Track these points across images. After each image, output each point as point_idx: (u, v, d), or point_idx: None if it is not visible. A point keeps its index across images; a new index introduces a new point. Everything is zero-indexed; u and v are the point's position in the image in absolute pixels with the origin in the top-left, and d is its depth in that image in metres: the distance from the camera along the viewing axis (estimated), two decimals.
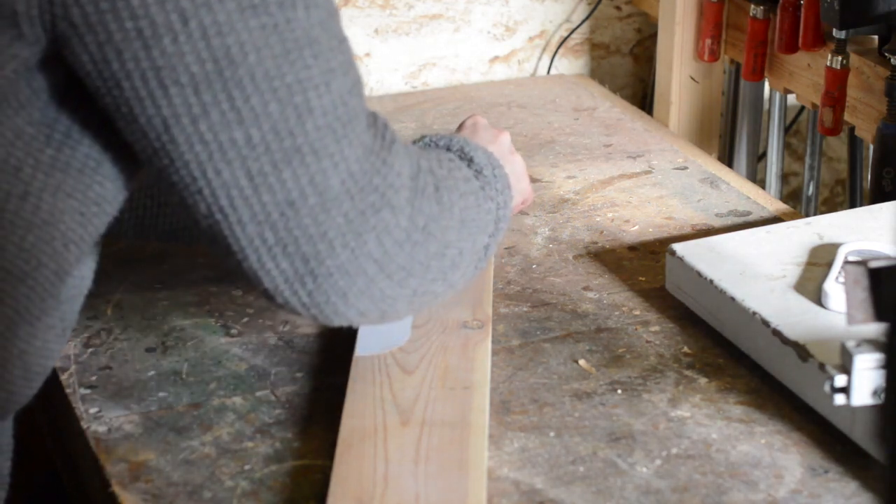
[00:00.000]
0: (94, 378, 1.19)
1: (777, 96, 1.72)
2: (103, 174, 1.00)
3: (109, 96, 0.95)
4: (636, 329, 1.27)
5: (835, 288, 1.20)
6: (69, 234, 1.00)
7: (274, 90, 0.94)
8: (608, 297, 1.32)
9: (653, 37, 1.90)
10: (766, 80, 1.67)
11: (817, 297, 1.21)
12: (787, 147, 1.91)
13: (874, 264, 0.94)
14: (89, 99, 0.97)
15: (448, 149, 1.17)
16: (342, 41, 0.99)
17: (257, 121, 0.95)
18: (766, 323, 1.17)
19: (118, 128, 0.97)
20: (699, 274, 1.25)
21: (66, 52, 0.94)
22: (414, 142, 1.21)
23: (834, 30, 1.51)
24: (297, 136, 0.96)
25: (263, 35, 0.93)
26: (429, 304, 1.09)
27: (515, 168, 1.33)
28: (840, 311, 1.17)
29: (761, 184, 1.75)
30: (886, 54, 1.45)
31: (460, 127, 1.33)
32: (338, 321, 1.03)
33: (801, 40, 1.57)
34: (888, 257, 1.20)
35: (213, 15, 0.92)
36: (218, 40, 0.92)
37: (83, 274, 1.05)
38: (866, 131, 1.52)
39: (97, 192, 1.00)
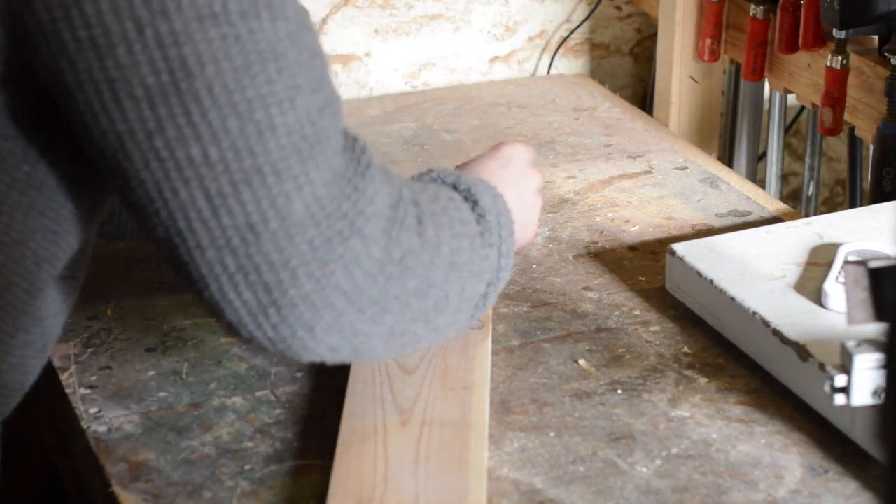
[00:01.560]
0: (94, 378, 1.19)
1: (777, 96, 1.72)
2: (79, 191, 0.97)
3: (66, 108, 0.90)
4: (636, 329, 1.27)
5: (835, 288, 1.20)
6: (41, 253, 0.97)
7: (233, 105, 0.89)
8: (608, 297, 1.32)
9: (653, 37, 1.90)
10: (766, 80, 1.67)
11: (817, 297, 1.21)
12: (787, 147, 1.91)
13: (874, 264, 0.94)
14: (60, 115, 0.93)
15: (455, 187, 1.09)
16: (314, 57, 0.93)
17: (216, 137, 0.89)
18: (766, 323, 1.17)
19: (80, 141, 0.93)
20: (699, 274, 1.25)
21: (23, 58, 0.90)
22: (421, 174, 1.13)
23: (834, 30, 1.51)
24: (257, 154, 0.90)
25: (223, 46, 0.88)
26: (410, 346, 1.02)
27: (529, 216, 1.23)
28: (840, 311, 1.17)
29: (761, 184, 1.75)
30: (886, 54, 1.45)
31: (498, 147, 1.24)
32: (307, 357, 0.96)
33: (801, 40, 1.57)
34: (888, 257, 1.20)
35: (170, 24, 0.87)
36: (174, 50, 0.87)
37: (66, 290, 1.03)
38: (866, 131, 1.52)
39: (71, 211, 0.97)
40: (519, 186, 1.20)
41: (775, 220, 1.46)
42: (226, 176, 0.90)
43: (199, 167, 0.89)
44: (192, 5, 0.87)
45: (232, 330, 0.95)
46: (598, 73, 1.96)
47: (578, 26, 1.92)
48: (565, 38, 1.93)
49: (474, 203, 1.08)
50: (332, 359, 0.97)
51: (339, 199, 0.93)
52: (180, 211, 0.90)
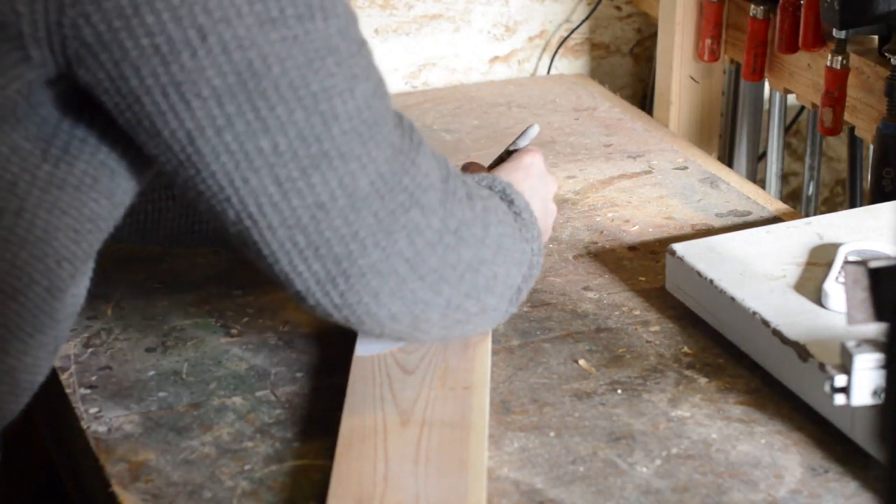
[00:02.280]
0: (94, 378, 1.19)
1: (777, 96, 1.72)
2: (99, 191, 0.99)
3: (130, 112, 0.94)
4: (636, 329, 1.27)
5: (835, 288, 1.20)
6: (62, 252, 0.99)
7: (299, 99, 0.94)
8: (608, 297, 1.32)
9: (653, 37, 1.90)
10: (766, 80, 1.67)
11: (817, 297, 1.21)
12: (787, 147, 1.91)
13: (874, 264, 0.94)
14: (88, 115, 0.96)
15: (490, 188, 1.15)
16: (362, 45, 0.99)
17: (283, 129, 0.95)
18: (766, 323, 1.17)
19: (140, 142, 0.96)
20: (699, 274, 1.25)
21: (80, 71, 0.92)
22: None
23: (834, 30, 1.51)
24: (323, 141, 0.96)
25: (285, 47, 0.93)
26: (462, 325, 1.08)
27: (547, 222, 1.26)
28: (840, 311, 1.17)
29: (761, 184, 1.75)
30: (886, 54, 1.45)
31: (518, 157, 1.26)
32: (369, 323, 1.02)
33: (801, 40, 1.57)
34: (888, 257, 1.20)
35: (233, 30, 0.92)
36: (239, 54, 0.92)
37: (78, 292, 1.04)
38: (866, 131, 1.52)
39: (92, 210, 0.99)
40: (541, 195, 1.24)
41: (775, 220, 1.46)
42: (294, 163, 0.95)
43: (268, 156, 0.95)
44: (251, 12, 0.92)
45: (299, 298, 1.00)
46: (598, 73, 1.96)
47: (578, 26, 1.92)
48: (565, 38, 1.93)
49: (510, 202, 1.14)
50: (391, 327, 1.03)
51: (399, 174, 0.99)
52: (251, 197, 0.96)
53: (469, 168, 1.29)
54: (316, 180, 0.96)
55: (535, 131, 1.30)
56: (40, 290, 0.99)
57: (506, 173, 1.22)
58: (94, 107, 0.95)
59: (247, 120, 0.94)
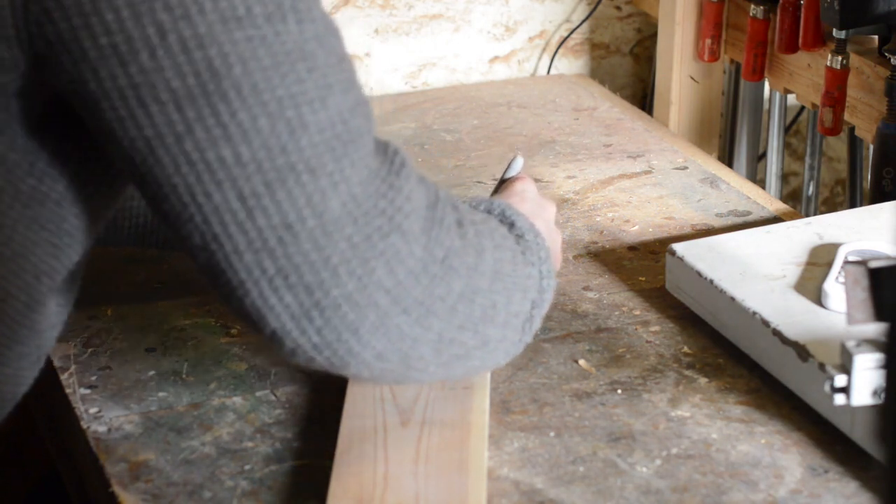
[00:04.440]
0: (94, 378, 1.19)
1: (777, 96, 1.72)
2: (80, 206, 0.96)
3: (92, 119, 0.89)
4: (636, 329, 1.27)
5: (835, 288, 1.20)
6: (40, 266, 0.96)
7: (263, 104, 0.88)
8: (608, 297, 1.32)
9: (653, 37, 1.90)
10: (766, 80, 1.67)
11: (817, 297, 1.21)
12: (787, 147, 1.91)
13: (874, 264, 0.94)
14: (70, 127, 0.92)
15: (489, 211, 1.09)
16: (343, 61, 0.93)
17: (246, 137, 0.88)
18: (766, 323, 1.17)
19: (108, 154, 0.92)
20: (699, 274, 1.25)
21: (47, 74, 0.89)
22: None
23: (834, 30, 1.51)
24: (290, 153, 0.89)
25: (250, 47, 0.87)
26: (462, 361, 1.00)
27: (555, 245, 1.20)
28: (840, 311, 1.17)
29: (761, 184, 1.75)
30: (886, 54, 1.45)
31: (509, 185, 1.21)
32: (355, 365, 0.94)
33: (801, 40, 1.57)
34: (888, 257, 1.20)
35: (194, 28, 0.86)
36: (199, 53, 0.87)
37: (64, 301, 1.02)
38: (866, 131, 1.52)
39: (72, 224, 0.96)
40: (542, 217, 1.17)
41: (775, 220, 1.46)
42: (259, 175, 0.89)
43: (230, 168, 0.89)
44: (215, 9, 0.87)
45: (275, 340, 0.92)
46: (598, 73, 1.96)
47: (578, 26, 1.92)
48: (565, 38, 1.93)
49: (511, 224, 1.07)
50: (379, 369, 0.95)
51: (375, 197, 0.92)
52: (214, 215, 0.89)
53: None
54: (282, 196, 0.89)
55: (519, 163, 1.24)
56: (18, 304, 0.97)
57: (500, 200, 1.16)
58: (77, 118, 0.92)
59: (207, 126, 0.88)
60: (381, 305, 0.92)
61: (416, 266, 0.93)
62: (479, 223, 1.02)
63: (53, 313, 1.01)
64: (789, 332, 1.15)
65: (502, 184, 1.22)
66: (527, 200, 1.17)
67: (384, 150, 0.95)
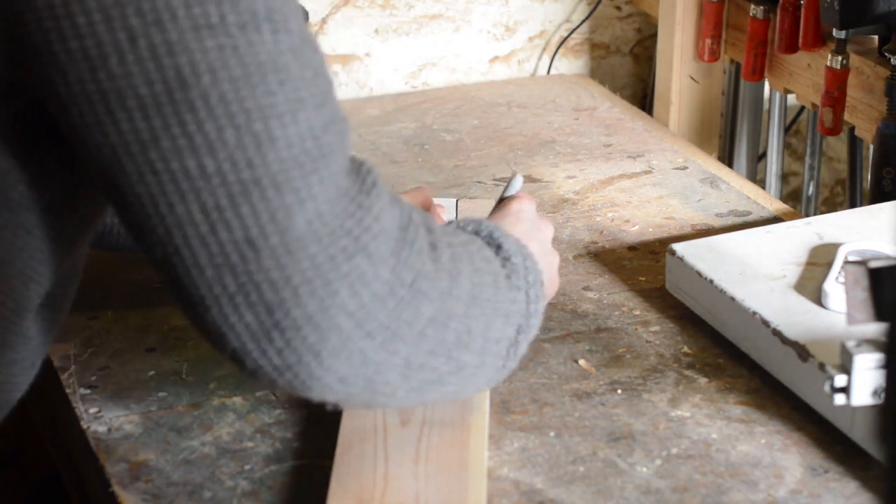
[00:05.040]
0: (94, 378, 1.19)
1: (777, 96, 1.72)
2: (69, 211, 0.95)
3: (64, 124, 0.88)
4: (636, 329, 1.27)
5: (835, 288, 1.20)
6: (27, 272, 0.95)
7: (230, 115, 0.86)
8: (608, 297, 1.32)
9: (653, 37, 1.90)
10: (766, 80, 1.67)
11: (817, 297, 1.21)
12: (787, 147, 1.91)
13: (874, 264, 0.94)
14: (59, 133, 0.91)
15: (477, 233, 1.05)
16: (318, 75, 0.90)
17: (212, 149, 0.86)
18: (766, 323, 1.17)
19: (81, 160, 0.89)
20: (699, 274, 1.25)
21: (24, 78, 0.87)
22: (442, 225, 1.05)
23: (834, 30, 1.51)
24: (256, 167, 0.86)
25: (221, 57, 0.85)
26: (434, 386, 0.96)
27: (551, 268, 1.16)
28: (840, 311, 1.17)
29: (761, 184, 1.75)
30: (886, 54, 1.45)
31: (506, 205, 1.18)
32: (317, 389, 0.91)
33: (801, 40, 1.57)
34: (888, 257, 1.20)
35: (165, 34, 0.84)
36: (169, 60, 0.84)
37: (55, 307, 1.01)
38: (866, 131, 1.52)
39: (59, 231, 0.95)
40: (538, 238, 1.14)
41: (775, 220, 1.46)
42: (223, 189, 0.86)
43: (194, 180, 0.86)
44: (187, 16, 0.85)
45: (236, 359, 0.90)
46: (598, 73, 1.96)
47: (578, 26, 1.92)
48: (565, 38, 1.93)
49: (498, 247, 1.04)
50: (343, 393, 0.92)
51: (342, 216, 0.89)
52: (177, 227, 0.87)
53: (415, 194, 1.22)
54: (245, 211, 0.86)
55: (519, 181, 1.22)
56: (6, 311, 0.96)
57: (495, 221, 1.14)
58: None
59: (172, 135, 0.85)
60: (343, 328, 0.89)
61: (381, 289, 0.90)
62: (459, 246, 0.98)
63: (44, 319, 1.01)
64: (789, 332, 1.15)
65: (501, 202, 1.20)
66: (522, 221, 1.15)
67: (357, 169, 0.92)
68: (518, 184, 1.21)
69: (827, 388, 1.05)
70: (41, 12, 0.84)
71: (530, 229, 1.14)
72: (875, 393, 1.03)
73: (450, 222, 1.08)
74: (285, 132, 0.87)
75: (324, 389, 0.91)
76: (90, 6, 0.84)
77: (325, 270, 0.88)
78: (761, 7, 1.63)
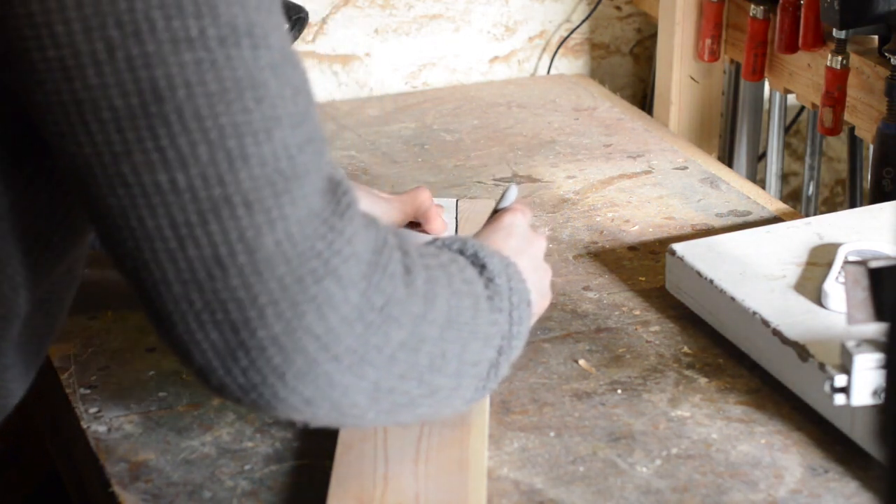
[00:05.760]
0: (94, 378, 1.19)
1: (777, 96, 1.72)
2: (60, 217, 0.95)
3: (42, 131, 0.87)
4: (636, 329, 1.27)
5: (835, 288, 1.20)
6: (16, 279, 0.95)
7: (204, 131, 0.84)
8: (608, 297, 1.32)
9: (653, 37, 1.90)
10: (766, 80, 1.67)
11: (817, 297, 1.21)
12: (787, 147, 1.91)
13: (874, 264, 0.94)
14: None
15: (461, 252, 1.03)
16: (298, 93, 0.88)
17: (184, 164, 0.84)
18: (766, 323, 1.17)
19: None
20: (699, 274, 1.25)
21: (7, 83, 0.87)
22: (426, 243, 1.05)
23: (834, 30, 1.51)
24: (227, 184, 0.85)
25: (198, 71, 0.84)
26: (405, 409, 0.95)
27: (542, 283, 1.15)
28: (840, 311, 1.17)
29: (761, 184, 1.75)
30: (886, 54, 1.45)
31: (499, 218, 1.16)
32: (282, 410, 0.90)
33: (801, 40, 1.57)
34: (888, 257, 1.20)
35: (143, 46, 0.83)
36: (145, 72, 0.83)
37: (51, 313, 1.01)
38: (866, 131, 1.52)
39: (49, 238, 0.95)
40: (529, 253, 1.13)
41: (775, 220, 1.46)
42: (193, 205, 0.85)
43: (165, 194, 0.85)
44: (166, 28, 0.84)
45: (202, 377, 0.89)
46: (598, 73, 1.96)
47: (578, 26, 1.92)
48: (565, 38, 1.93)
49: (482, 267, 1.02)
50: (309, 414, 0.91)
51: (313, 238, 0.87)
52: (146, 241, 0.86)
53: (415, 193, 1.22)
54: (214, 228, 0.85)
55: (513, 192, 1.21)
56: None
57: (485, 235, 1.14)
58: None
59: (145, 148, 0.84)
60: (309, 351, 0.87)
61: (350, 313, 0.88)
62: (437, 269, 0.97)
63: (39, 325, 1.00)
64: (789, 332, 1.15)
65: (495, 214, 1.19)
66: (513, 236, 1.14)
67: (334, 189, 0.90)
68: (513, 195, 1.21)
69: (827, 388, 1.05)
70: (21, 20, 0.84)
71: (521, 244, 1.13)
72: (875, 393, 1.03)
73: (434, 239, 1.06)
74: (259, 150, 0.86)
75: (289, 410, 0.90)
76: (70, 16, 0.83)
77: (292, 292, 0.86)
78: (761, 7, 1.63)
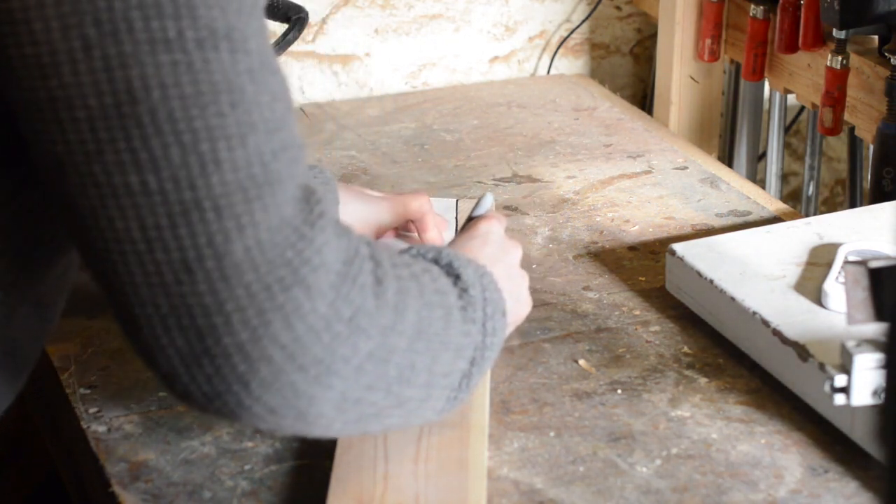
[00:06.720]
0: (94, 378, 1.19)
1: (777, 96, 1.72)
2: (50, 219, 0.94)
3: (23, 132, 0.87)
4: (636, 329, 1.27)
5: (835, 288, 1.20)
6: (7, 278, 0.94)
7: (177, 133, 0.84)
8: (608, 297, 1.32)
9: (653, 37, 1.90)
10: (766, 80, 1.67)
11: (817, 297, 1.21)
12: (787, 147, 1.91)
13: (874, 264, 0.94)
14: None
15: (436, 262, 1.02)
16: (276, 100, 0.87)
17: (155, 166, 0.84)
18: (766, 323, 1.17)
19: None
20: (699, 274, 1.25)
21: None
22: (401, 251, 1.04)
23: (834, 30, 1.51)
24: (198, 188, 0.84)
25: (173, 73, 0.83)
26: (373, 420, 0.94)
27: (519, 291, 1.15)
28: (840, 311, 1.17)
29: (761, 184, 1.75)
30: (886, 54, 1.45)
31: (474, 225, 1.16)
32: (246, 419, 0.89)
33: (801, 40, 1.57)
34: (888, 257, 1.20)
35: (120, 46, 0.82)
36: (121, 73, 0.83)
37: (43, 315, 1.00)
38: (866, 131, 1.52)
39: (38, 238, 0.94)
40: (504, 262, 1.13)
41: (775, 220, 1.46)
42: (163, 208, 0.84)
43: (135, 196, 0.84)
44: (144, 28, 0.83)
45: (167, 383, 0.88)
46: (598, 73, 1.96)
47: (578, 26, 1.92)
48: (565, 38, 1.93)
49: (456, 277, 1.01)
50: (274, 423, 0.90)
51: (283, 246, 0.86)
52: (115, 243, 0.85)
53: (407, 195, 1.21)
54: (183, 233, 0.84)
55: (488, 201, 1.21)
56: None
57: (460, 244, 1.14)
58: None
59: (117, 149, 0.83)
60: (274, 360, 0.86)
61: (317, 323, 0.87)
62: (409, 279, 0.95)
63: (32, 326, 1.00)
64: (789, 332, 1.15)
65: (469, 221, 1.19)
66: (489, 244, 1.13)
67: (307, 198, 0.89)
68: (488, 203, 1.20)
69: (827, 388, 1.05)
70: (0, 15, 0.83)
71: (497, 252, 1.13)
72: (875, 393, 1.03)
73: (410, 248, 1.05)
74: (232, 155, 0.85)
75: (253, 419, 0.89)
76: (48, 13, 0.82)
77: (259, 300, 0.85)
78: (761, 7, 1.63)
